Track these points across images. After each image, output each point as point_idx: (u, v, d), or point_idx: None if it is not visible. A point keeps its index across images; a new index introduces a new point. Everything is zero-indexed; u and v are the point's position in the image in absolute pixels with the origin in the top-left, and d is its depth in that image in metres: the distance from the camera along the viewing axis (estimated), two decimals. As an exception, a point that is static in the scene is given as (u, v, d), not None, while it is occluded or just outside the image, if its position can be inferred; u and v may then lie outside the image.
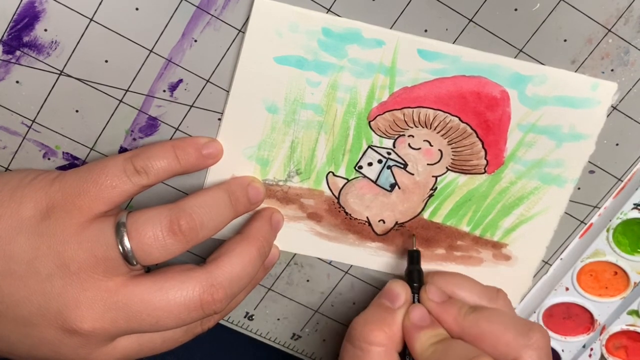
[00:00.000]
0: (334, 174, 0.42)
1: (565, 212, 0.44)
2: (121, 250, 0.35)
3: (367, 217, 0.43)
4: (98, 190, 0.35)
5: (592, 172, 0.43)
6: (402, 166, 0.42)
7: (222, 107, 0.39)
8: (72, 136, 0.39)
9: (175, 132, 0.40)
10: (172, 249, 0.35)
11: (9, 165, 0.40)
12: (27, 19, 0.36)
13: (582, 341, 0.48)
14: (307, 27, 0.37)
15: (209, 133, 0.40)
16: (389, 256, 0.44)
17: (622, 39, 0.39)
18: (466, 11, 0.38)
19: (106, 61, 0.37)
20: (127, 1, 0.36)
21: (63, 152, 0.40)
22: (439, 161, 0.42)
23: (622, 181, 0.43)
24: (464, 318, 0.40)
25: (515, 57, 0.39)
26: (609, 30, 0.39)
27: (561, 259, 0.45)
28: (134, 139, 0.40)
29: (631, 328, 0.47)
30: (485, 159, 0.42)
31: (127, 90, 0.38)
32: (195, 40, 0.37)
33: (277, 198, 0.42)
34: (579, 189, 0.43)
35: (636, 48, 0.40)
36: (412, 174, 0.42)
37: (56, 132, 0.39)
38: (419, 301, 0.41)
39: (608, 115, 0.41)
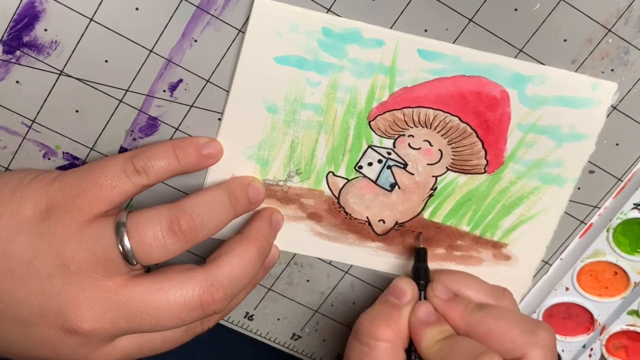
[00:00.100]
0: (334, 174, 0.42)
1: (565, 212, 0.44)
2: (121, 250, 0.35)
3: (367, 217, 0.43)
4: (98, 190, 0.35)
5: (592, 172, 0.43)
6: (402, 166, 0.42)
7: (222, 107, 0.39)
8: (72, 136, 0.39)
9: (175, 132, 0.40)
10: (172, 248, 0.35)
11: (9, 165, 0.40)
12: (27, 18, 0.36)
13: (582, 341, 0.48)
14: (307, 27, 0.37)
15: (209, 133, 0.40)
16: (389, 256, 0.44)
17: (622, 39, 0.39)
18: (466, 11, 0.38)
19: (106, 61, 0.37)
20: (127, 1, 0.36)
21: (63, 152, 0.40)
22: (439, 161, 0.42)
23: (622, 181, 0.43)
24: (470, 315, 0.39)
25: (515, 57, 0.39)
26: (609, 30, 0.39)
27: (561, 259, 0.45)
28: (134, 139, 0.40)
29: (631, 328, 0.47)
30: (485, 158, 0.42)
31: (127, 90, 0.38)
32: (195, 40, 0.37)
33: (277, 198, 0.42)
34: (579, 189, 0.43)
35: (636, 48, 0.40)
36: (412, 174, 0.42)
37: (56, 132, 0.39)
38: (425, 298, 0.41)
39: (608, 115, 0.41)
